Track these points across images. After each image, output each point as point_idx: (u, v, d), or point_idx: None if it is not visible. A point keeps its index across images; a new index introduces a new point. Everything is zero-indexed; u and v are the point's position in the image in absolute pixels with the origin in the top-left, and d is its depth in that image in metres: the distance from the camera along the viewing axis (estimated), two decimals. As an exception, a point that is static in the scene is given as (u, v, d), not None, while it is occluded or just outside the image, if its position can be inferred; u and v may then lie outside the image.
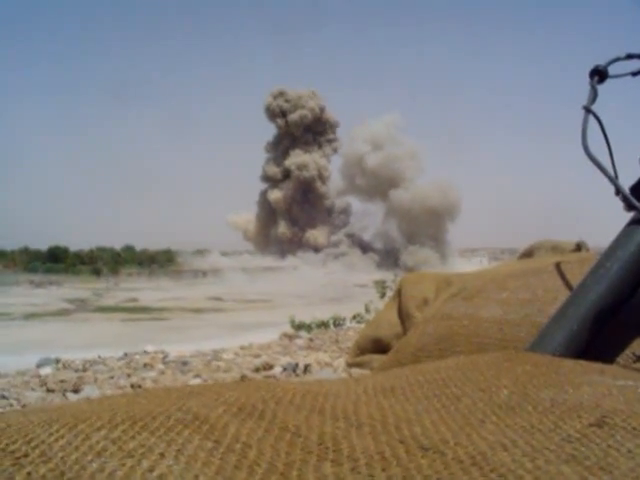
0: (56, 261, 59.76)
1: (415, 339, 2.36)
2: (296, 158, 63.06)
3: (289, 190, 62.50)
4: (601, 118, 2.09)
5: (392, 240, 63.54)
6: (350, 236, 64.45)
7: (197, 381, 2.75)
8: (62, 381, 2.74)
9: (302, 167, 62.49)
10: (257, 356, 3.79)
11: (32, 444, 0.71)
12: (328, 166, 64.94)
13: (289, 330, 9.75)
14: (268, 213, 63.99)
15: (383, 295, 10.07)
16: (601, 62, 2.08)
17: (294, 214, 62.59)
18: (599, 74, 2.10)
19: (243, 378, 2.79)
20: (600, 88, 2.08)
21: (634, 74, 2.15)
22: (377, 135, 62.49)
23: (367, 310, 9.80)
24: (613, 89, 2.19)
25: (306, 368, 3.01)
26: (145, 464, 0.66)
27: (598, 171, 1.90)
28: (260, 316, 26.25)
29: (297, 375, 2.92)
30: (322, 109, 64.80)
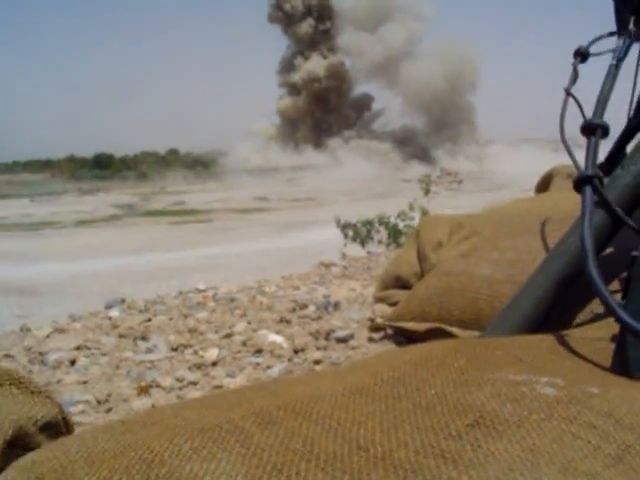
0: (102, 168, 60.76)
1: (421, 291, 2.80)
2: (303, 70, 59.46)
3: (299, 101, 60.01)
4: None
5: (410, 127, 60.31)
6: (364, 127, 60.92)
7: (242, 324, 3.24)
8: (131, 328, 3.25)
9: (311, 80, 59.05)
10: (296, 288, 4.26)
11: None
12: (343, 67, 60.51)
13: (334, 230, 10.03)
14: (288, 120, 61.42)
15: (427, 192, 10.07)
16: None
17: (310, 122, 60.30)
18: (581, 55, 2.34)
19: (283, 319, 3.28)
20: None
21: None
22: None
23: (411, 208, 9.80)
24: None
25: (336, 306, 3.50)
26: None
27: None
28: (306, 214, 26.67)
29: (328, 313, 3.39)
30: None
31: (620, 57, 1.97)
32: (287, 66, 61.25)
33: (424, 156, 53.46)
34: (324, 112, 59.58)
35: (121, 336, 3.14)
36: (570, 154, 2.08)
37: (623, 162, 2.14)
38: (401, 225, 9.70)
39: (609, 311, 1.52)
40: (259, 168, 54.35)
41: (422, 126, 59.16)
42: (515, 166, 38.59)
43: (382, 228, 9.98)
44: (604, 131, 1.86)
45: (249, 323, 3.25)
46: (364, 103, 63.59)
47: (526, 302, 2.10)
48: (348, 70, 60.28)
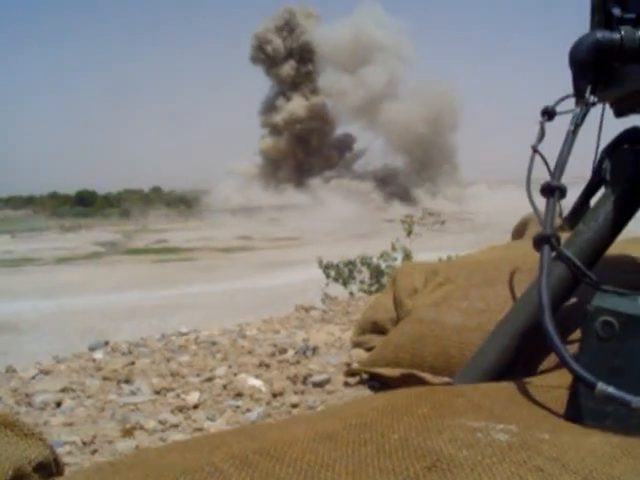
0: (85, 205, 60.88)
1: (395, 338, 2.92)
2: (285, 111, 59.57)
3: (281, 141, 60.04)
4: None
5: (391, 167, 60.49)
6: (346, 167, 61.16)
7: (223, 368, 3.34)
8: (115, 370, 3.34)
9: (293, 121, 59.10)
10: (277, 331, 4.36)
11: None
12: (324, 108, 60.48)
13: (317, 270, 10.01)
14: (270, 160, 61.24)
15: (409, 233, 10.08)
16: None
17: (292, 162, 60.10)
18: (548, 114, 2.47)
19: (262, 363, 3.39)
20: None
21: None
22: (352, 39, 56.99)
23: (394, 248, 9.83)
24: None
25: (314, 351, 3.61)
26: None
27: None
28: (289, 254, 26.77)
29: (307, 357, 3.50)
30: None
31: (577, 123, 2.10)
32: (269, 106, 61.26)
33: (405, 196, 53.58)
34: (306, 153, 59.54)
35: (105, 379, 3.23)
36: (535, 211, 2.20)
37: (585, 217, 2.27)
38: (383, 266, 9.75)
39: (562, 363, 1.64)
40: (241, 207, 54.36)
41: (403, 166, 59.40)
42: (497, 206, 38.93)
43: (364, 268, 10.02)
44: (562, 192, 2.00)
45: (230, 367, 3.36)
46: (346, 143, 63.67)
47: (492, 350, 2.22)
48: (330, 111, 60.58)
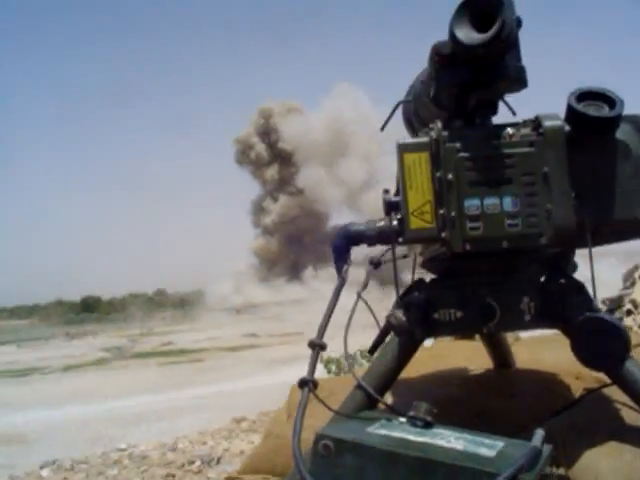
0: (90, 311, 61.32)
1: (260, 449, 3.56)
2: (273, 212, 60.50)
3: (274, 241, 60.57)
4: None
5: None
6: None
7: (138, 480, 4.02)
8: (56, 490, 4.03)
9: (282, 222, 60.00)
10: (204, 443, 5.03)
11: None
12: (314, 205, 60.11)
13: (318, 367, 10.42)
14: (264, 259, 61.29)
15: None
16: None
17: (286, 262, 60.16)
18: (374, 264, 3.07)
19: (169, 474, 4.07)
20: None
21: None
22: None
23: None
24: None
25: (218, 460, 4.29)
26: None
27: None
28: (296, 349, 26.79)
29: (210, 466, 4.18)
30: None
31: (336, 294, 2.75)
32: (259, 207, 62.03)
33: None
34: (299, 252, 59.55)
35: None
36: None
37: (379, 352, 2.90)
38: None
39: (300, 476, 2.31)
40: (242, 305, 54.47)
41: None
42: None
43: (364, 361, 10.43)
44: (322, 348, 2.66)
45: (143, 479, 4.05)
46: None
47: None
48: (317, 206, 60.28)
